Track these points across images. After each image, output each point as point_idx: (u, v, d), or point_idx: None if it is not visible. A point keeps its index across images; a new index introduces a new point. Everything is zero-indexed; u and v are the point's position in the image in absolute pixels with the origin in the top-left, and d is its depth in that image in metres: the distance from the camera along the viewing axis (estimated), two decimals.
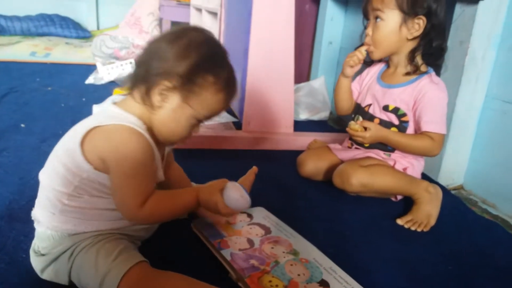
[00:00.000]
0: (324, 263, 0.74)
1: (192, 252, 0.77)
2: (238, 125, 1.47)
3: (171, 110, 0.63)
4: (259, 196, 0.99)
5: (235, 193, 0.72)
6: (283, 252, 0.76)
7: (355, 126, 1.02)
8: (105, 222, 0.65)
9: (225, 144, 1.33)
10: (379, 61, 1.12)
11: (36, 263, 0.65)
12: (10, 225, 0.77)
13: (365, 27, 1.03)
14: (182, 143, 0.70)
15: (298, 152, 1.22)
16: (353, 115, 1.15)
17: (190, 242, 0.80)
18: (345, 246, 0.85)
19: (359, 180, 0.98)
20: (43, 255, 0.64)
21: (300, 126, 1.58)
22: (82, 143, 0.60)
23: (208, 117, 0.67)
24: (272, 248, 0.77)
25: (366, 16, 1.03)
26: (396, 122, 1.04)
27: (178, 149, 1.22)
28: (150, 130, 0.64)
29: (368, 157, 1.05)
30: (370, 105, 1.09)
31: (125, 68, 2.10)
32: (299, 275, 0.70)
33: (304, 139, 1.38)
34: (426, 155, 1.05)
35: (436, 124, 0.99)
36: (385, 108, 1.05)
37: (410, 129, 1.04)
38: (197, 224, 0.83)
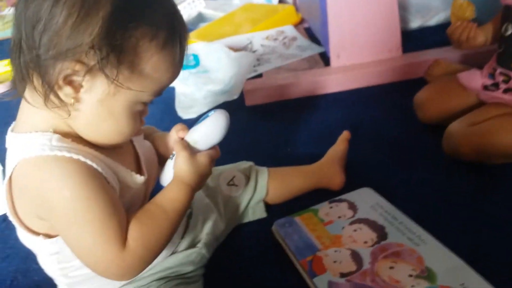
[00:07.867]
0: None
1: (273, 269, 0.57)
2: (324, 59, 1.14)
3: (96, 103, 0.39)
4: (357, 168, 0.71)
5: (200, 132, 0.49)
6: (410, 276, 0.49)
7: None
8: None
9: (310, 89, 1.03)
10: None
11: None
12: None
13: None
14: (136, 134, 0.49)
15: (410, 84, 0.86)
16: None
17: (270, 253, 0.59)
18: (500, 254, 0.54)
19: (470, 146, 0.67)
20: None
21: (412, 41, 1.15)
22: (20, 221, 0.43)
23: (158, 92, 0.43)
24: (392, 268, 0.51)
25: None
26: None
27: (251, 106, 0.98)
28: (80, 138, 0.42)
29: (497, 104, 0.70)
30: None
31: (196, 6, 1.81)
32: None
33: (420, 63, 1.00)
34: None
35: None
36: None
37: None
38: (279, 228, 0.61)
